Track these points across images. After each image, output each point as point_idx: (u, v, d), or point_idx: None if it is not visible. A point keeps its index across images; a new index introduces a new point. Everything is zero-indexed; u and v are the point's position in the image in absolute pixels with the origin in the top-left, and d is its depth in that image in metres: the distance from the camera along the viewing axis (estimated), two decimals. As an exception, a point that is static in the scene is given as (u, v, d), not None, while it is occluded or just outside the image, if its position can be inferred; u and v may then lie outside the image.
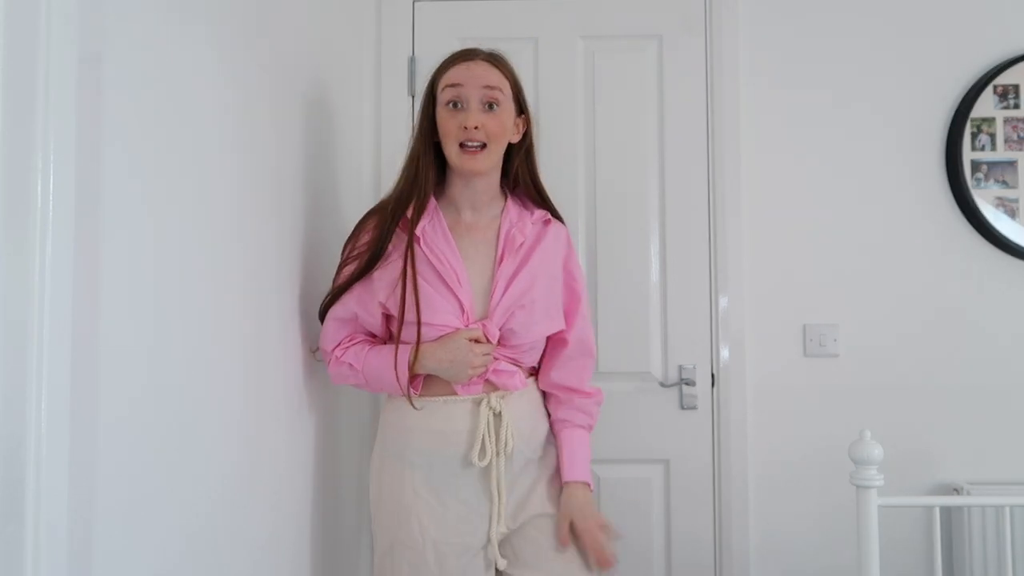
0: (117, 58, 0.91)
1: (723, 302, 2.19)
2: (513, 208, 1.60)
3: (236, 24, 1.28)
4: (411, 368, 1.47)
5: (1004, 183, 2.20)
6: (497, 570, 1.53)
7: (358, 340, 1.57)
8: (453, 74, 1.52)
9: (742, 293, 2.20)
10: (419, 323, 1.46)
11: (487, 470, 1.49)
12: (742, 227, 2.21)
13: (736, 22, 2.24)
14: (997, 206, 2.19)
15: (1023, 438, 2.17)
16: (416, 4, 2.26)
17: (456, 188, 1.57)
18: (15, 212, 0.73)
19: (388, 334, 1.56)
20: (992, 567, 2.07)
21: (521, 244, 1.55)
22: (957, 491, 2.12)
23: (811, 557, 2.17)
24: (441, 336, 1.47)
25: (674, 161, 2.22)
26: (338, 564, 1.87)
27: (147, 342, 0.99)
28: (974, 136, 2.20)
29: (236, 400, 1.27)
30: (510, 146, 1.58)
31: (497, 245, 1.55)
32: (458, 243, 1.54)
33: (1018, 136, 2.21)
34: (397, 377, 1.47)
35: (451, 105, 1.51)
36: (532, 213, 1.60)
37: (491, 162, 1.53)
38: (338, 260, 1.59)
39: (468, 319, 1.49)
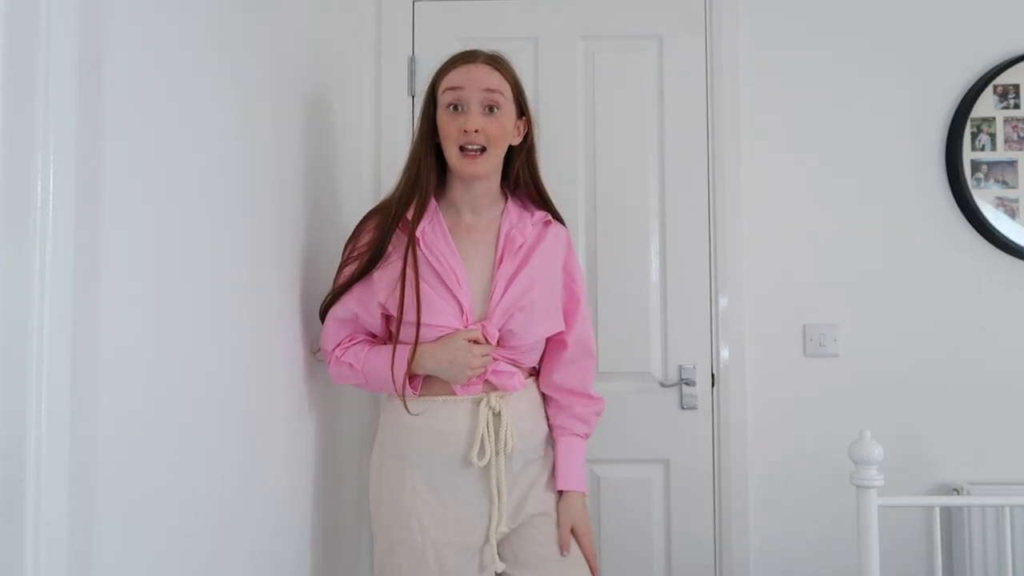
0: (117, 58, 0.91)
1: (723, 302, 2.19)
2: (513, 209, 1.60)
3: (236, 24, 1.28)
4: (410, 368, 1.47)
5: (1004, 183, 2.20)
6: (497, 571, 1.53)
7: (358, 340, 1.57)
8: (454, 76, 1.52)
9: (742, 293, 2.20)
10: (418, 324, 1.46)
11: (487, 470, 1.49)
12: (742, 227, 2.21)
13: (736, 22, 2.24)
14: (997, 206, 2.19)
15: (1023, 438, 2.17)
16: (416, 4, 2.26)
17: (456, 190, 1.58)
18: (15, 212, 0.73)
19: (388, 334, 1.56)
20: (992, 567, 2.07)
21: (521, 245, 1.55)
22: (957, 491, 2.12)
23: (811, 557, 2.17)
24: (441, 336, 1.48)
25: (674, 161, 2.22)
26: (338, 564, 1.87)
27: (147, 342, 0.99)
28: (974, 136, 2.20)
29: (236, 400, 1.27)
30: (511, 148, 1.58)
31: (497, 246, 1.55)
32: (458, 244, 1.54)
33: (1018, 136, 2.21)
34: (393, 378, 1.47)
35: (451, 108, 1.51)
36: (532, 214, 1.60)
37: (491, 166, 1.53)
38: (338, 260, 1.59)
39: (467, 320, 1.50)
